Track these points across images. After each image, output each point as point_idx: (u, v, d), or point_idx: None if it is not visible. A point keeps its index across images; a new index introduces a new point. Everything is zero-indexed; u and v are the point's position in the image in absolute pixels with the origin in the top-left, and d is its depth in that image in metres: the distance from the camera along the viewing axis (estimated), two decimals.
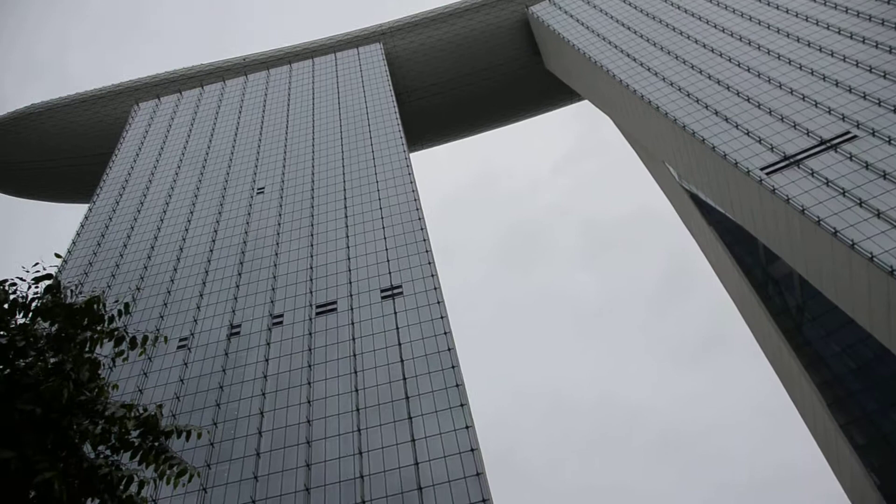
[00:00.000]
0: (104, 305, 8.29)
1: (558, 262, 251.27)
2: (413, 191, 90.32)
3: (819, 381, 74.71)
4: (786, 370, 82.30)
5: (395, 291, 74.01)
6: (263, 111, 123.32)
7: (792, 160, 69.94)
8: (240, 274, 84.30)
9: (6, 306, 7.99)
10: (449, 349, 65.13)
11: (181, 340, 76.33)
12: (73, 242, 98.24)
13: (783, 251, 71.74)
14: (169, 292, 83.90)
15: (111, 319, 8.32)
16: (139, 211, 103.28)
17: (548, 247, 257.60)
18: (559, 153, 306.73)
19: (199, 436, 8.15)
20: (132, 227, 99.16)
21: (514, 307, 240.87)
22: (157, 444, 7.69)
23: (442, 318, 68.89)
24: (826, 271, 64.17)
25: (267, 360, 70.68)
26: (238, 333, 75.46)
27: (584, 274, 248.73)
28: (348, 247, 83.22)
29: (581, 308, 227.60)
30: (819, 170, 67.27)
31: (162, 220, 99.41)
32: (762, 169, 70.51)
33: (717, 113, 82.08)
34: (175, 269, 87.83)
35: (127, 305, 8.71)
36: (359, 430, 60.28)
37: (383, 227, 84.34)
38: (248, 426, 64.17)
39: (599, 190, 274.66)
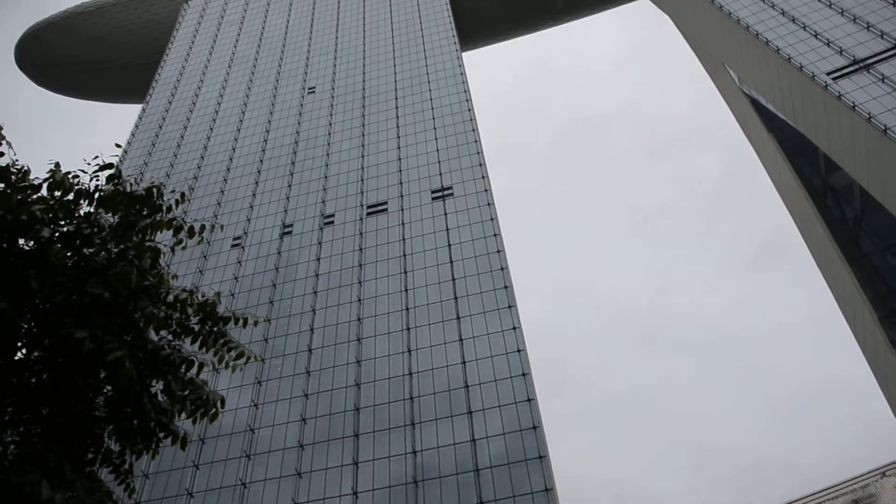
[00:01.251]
0: (162, 195, 8.46)
1: (614, 164, 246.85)
2: (465, 91, 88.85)
3: (872, 294, 73.19)
4: (839, 282, 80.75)
5: (446, 192, 74.09)
6: (314, 9, 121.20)
7: (861, 64, 66.28)
8: (291, 174, 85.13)
9: (71, 196, 8.19)
10: (498, 251, 65.50)
11: (235, 239, 78.20)
12: (128, 143, 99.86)
13: (845, 161, 69.09)
14: (222, 192, 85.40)
15: (169, 209, 8.50)
16: (191, 111, 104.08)
17: (604, 148, 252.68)
18: (617, 54, 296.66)
19: (256, 323, 8.43)
20: (185, 128, 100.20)
21: (569, 210, 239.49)
22: (215, 329, 7.97)
23: (492, 219, 69.00)
24: (890, 183, 61.79)
25: (318, 260, 72.17)
26: (290, 233, 76.93)
27: (640, 176, 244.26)
28: (399, 147, 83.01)
29: (636, 211, 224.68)
30: (890, 75, 63.70)
31: (214, 121, 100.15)
32: (828, 74, 67.08)
33: (783, 13, 77.60)
34: (228, 170, 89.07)
35: (183, 195, 8.87)
36: (408, 328, 61.80)
37: (434, 128, 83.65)
38: (300, 323, 66.29)
39: (658, 92, 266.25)
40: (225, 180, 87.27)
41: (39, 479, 5.91)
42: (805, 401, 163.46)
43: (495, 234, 67.11)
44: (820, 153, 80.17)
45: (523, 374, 55.00)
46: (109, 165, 8.30)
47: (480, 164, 76.07)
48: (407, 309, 63.47)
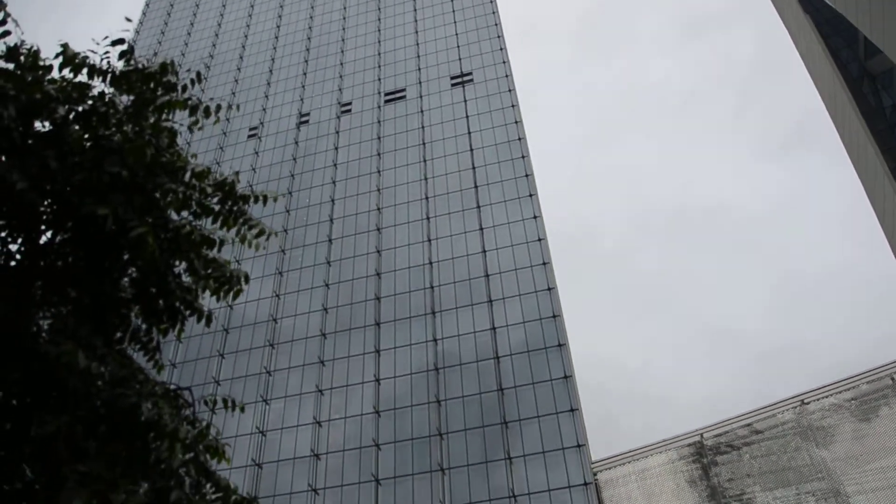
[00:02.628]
0: (177, 73, 8.17)
1: (643, 47, 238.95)
2: None
3: None
4: (870, 172, 79.09)
5: (465, 79, 72.38)
6: None
7: None
8: (306, 61, 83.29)
9: (84, 75, 7.92)
10: (519, 139, 64.57)
11: (251, 129, 77.56)
12: (136, 31, 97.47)
13: (887, 44, 66.08)
14: (236, 81, 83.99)
15: (184, 88, 8.23)
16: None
17: (632, 30, 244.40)
18: None
19: (276, 199, 8.31)
20: (194, 14, 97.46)
21: (594, 95, 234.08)
22: (235, 208, 7.87)
23: (513, 106, 67.63)
24: None
25: (336, 149, 71.63)
26: (307, 122, 76.08)
27: (670, 60, 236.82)
28: (417, 32, 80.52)
29: (665, 97, 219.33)
30: None
31: (224, 6, 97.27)
32: None
33: None
34: (241, 58, 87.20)
35: (199, 74, 8.56)
36: (428, 217, 61.90)
37: (453, 11, 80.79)
38: (319, 214, 66.56)
39: None
40: (238, 69, 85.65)
41: (75, 349, 6.00)
42: (825, 291, 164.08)
43: (516, 122, 65.95)
44: (860, 36, 76.76)
45: (544, 264, 55.33)
46: (120, 41, 7.96)
47: (501, 49, 73.84)
48: (427, 198, 63.38)
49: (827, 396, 48.40)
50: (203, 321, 7.82)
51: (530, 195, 59.76)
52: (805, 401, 48.22)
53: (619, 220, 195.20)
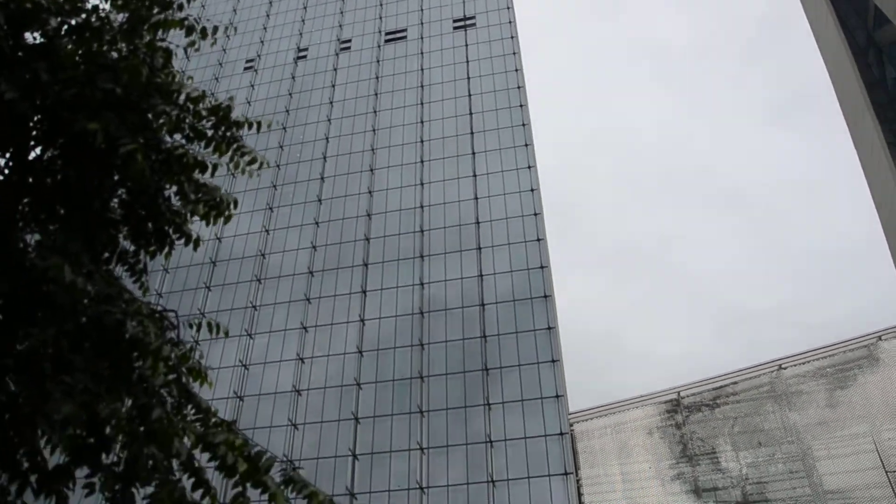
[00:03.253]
0: None
1: (651, 2, 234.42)
2: None
3: None
4: (866, 144, 78.92)
5: (468, 22, 71.12)
6: None
7: None
8: None
9: None
10: (519, 87, 63.87)
11: (248, 62, 76.24)
12: None
13: None
14: (235, 11, 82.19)
15: (181, 7, 8.03)
16: None
17: None
18: None
19: (270, 126, 8.20)
20: None
21: (596, 49, 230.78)
22: (228, 134, 7.77)
23: (514, 53, 66.69)
24: None
25: (333, 86, 70.68)
26: (305, 57, 74.83)
27: (678, 15, 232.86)
28: None
29: (670, 54, 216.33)
30: None
31: None
32: None
33: None
34: None
35: None
36: (422, 161, 61.55)
37: None
38: (313, 151, 66.03)
39: None
40: None
41: (62, 263, 5.98)
42: (818, 261, 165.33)
43: (517, 70, 65.13)
44: (870, 4, 75.76)
45: (535, 214, 55.36)
46: None
47: None
48: (422, 141, 62.92)
49: (803, 363, 49.22)
50: (191, 246, 7.81)
51: (526, 145, 59.41)
52: (783, 366, 49.04)
53: (612, 176, 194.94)
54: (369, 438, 48.50)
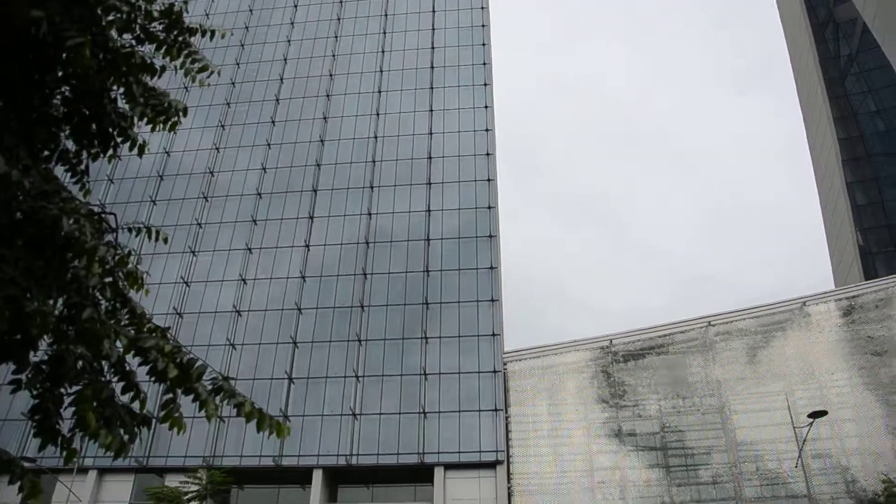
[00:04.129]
0: None
1: None
2: None
3: (843, 136, 73.65)
4: (814, 117, 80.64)
5: None
6: None
7: None
8: None
9: None
10: (483, 25, 62.98)
11: None
12: None
13: None
14: None
15: None
16: None
17: None
18: None
19: (224, 35, 7.97)
20: None
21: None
22: (181, 38, 7.54)
23: None
24: (894, 23, 59.82)
25: (296, 6, 68.56)
26: None
27: None
28: None
29: (639, 6, 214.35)
30: None
31: None
32: None
33: None
34: None
35: None
36: (379, 91, 60.62)
37: None
38: (270, 71, 64.33)
39: None
40: None
41: None
42: (759, 224, 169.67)
43: (482, 7, 64.11)
44: None
45: (487, 154, 55.41)
46: None
47: None
48: (381, 71, 61.86)
49: (731, 321, 51.14)
50: (138, 155, 7.65)
51: (485, 84, 59.00)
52: (712, 323, 50.88)
53: (570, 125, 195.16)
54: (306, 363, 48.94)
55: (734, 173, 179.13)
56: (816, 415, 28.58)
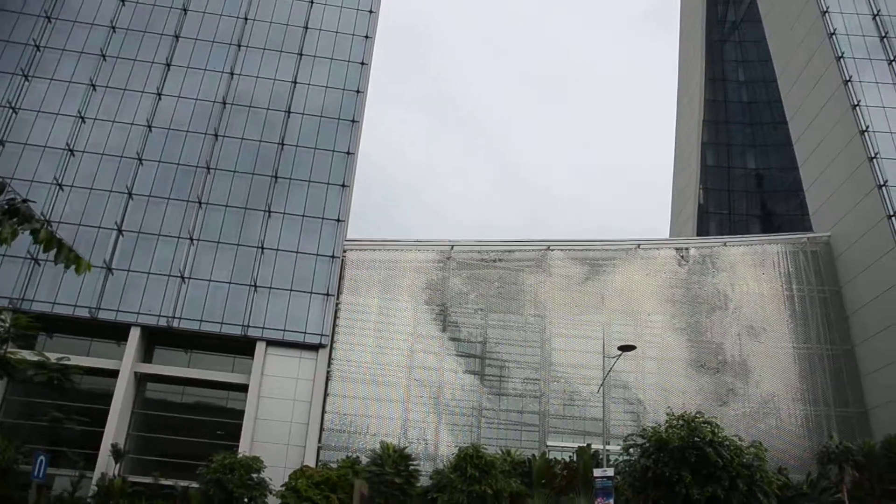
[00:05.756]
0: None
1: None
2: None
3: (710, 97, 77.11)
4: (689, 73, 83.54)
5: None
6: None
7: None
8: None
9: None
10: None
11: None
12: None
13: None
14: None
15: None
16: None
17: None
18: None
19: None
20: None
21: None
22: None
23: None
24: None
25: None
26: None
27: None
28: None
29: None
30: None
31: None
32: None
33: None
34: None
35: None
36: None
37: None
38: None
39: None
40: None
41: None
42: (623, 164, 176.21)
43: None
44: None
45: (366, 37, 53.46)
46: None
47: None
48: None
49: (569, 250, 53.30)
50: None
51: None
52: (551, 247, 52.76)
53: (459, 32, 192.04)
54: (139, 218, 46.48)
55: (614, 111, 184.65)
56: (625, 349, 30.34)
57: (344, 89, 51.13)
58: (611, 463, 34.64)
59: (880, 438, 40.79)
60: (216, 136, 48.94)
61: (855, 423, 48.80)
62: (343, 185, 48.04)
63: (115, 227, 45.60)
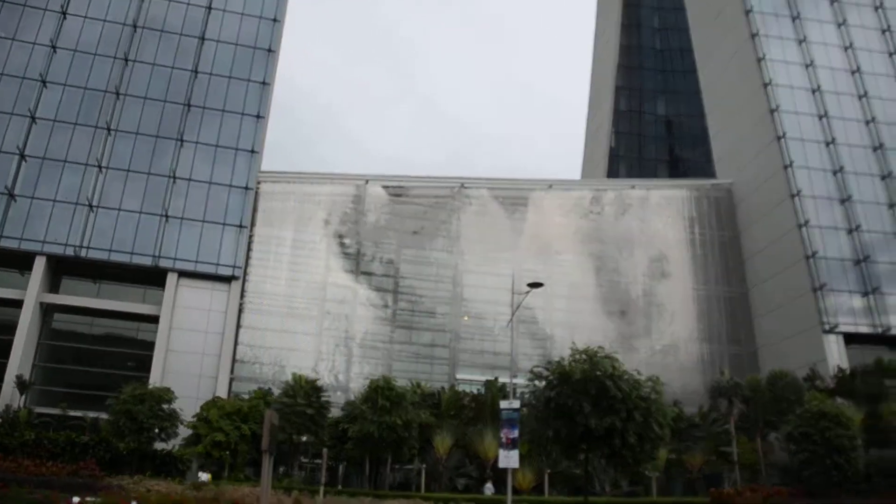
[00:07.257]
0: None
1: None
2: None
3: (625, 43, 78.47)
4: (606, 16, 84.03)
5: None
6: None
7: None
8: None
9: None
10: None
11: None
12: None
13: None
14: None
15: None
16: None
17: None
18: None
19: None
20: None
21: None
22: None
23: None
24: None
25: None
26: None
27: None
28: None
29: None
30: None
31: None
32: None
33: None
34: None
35: None
36: None
37: None
38: None
39: None
40: None
41: None
42: (541, 104, 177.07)
43: None
44: None
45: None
46: None
47: None
48: None
49: (483, 188, 54.34)
50: None
51: None
52: (465, 185, 53.67)
53: None
54: (44, 143, 44.79)
55: (535, 53, 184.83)
56: (534, 286, 31.33)
57: (261, 17, 49.86)
58: (517, 396, 36.32)
59: (766, 374, 43.83)
60: (126, 60, 47.26)
61: (745, 360, 52.23)
62: (258, 116, 47.37)
63: (18, 152, 43.91)
